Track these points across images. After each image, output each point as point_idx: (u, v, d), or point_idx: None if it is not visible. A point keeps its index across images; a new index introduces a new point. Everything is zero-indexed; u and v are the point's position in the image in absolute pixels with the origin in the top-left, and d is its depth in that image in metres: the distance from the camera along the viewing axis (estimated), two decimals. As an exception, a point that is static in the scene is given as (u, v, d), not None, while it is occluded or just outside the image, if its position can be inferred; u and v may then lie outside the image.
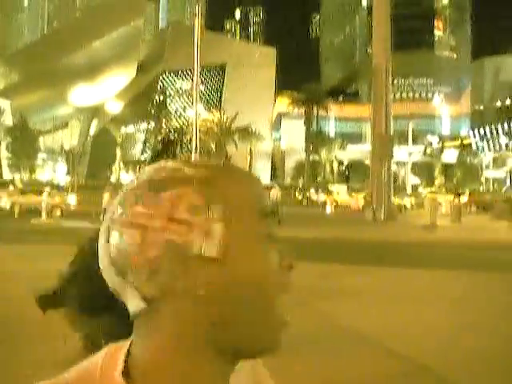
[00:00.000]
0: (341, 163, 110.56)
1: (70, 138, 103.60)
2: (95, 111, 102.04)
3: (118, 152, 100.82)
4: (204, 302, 0.76)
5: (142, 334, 0.80)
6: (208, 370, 0.79)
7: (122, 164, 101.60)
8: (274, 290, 0.80)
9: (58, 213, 33.35)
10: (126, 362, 0.80)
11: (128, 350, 0.81)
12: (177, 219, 0.76)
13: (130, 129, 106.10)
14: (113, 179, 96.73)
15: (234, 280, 0.77)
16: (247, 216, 0.79)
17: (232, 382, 0.85)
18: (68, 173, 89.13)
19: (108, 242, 0.79)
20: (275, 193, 35.24)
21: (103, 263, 0.80)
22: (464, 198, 46.81)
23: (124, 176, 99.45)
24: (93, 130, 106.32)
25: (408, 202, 53.69)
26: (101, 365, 0.80)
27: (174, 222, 0.76)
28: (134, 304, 0.78)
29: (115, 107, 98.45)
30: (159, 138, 78.18)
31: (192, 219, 0.76)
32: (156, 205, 0.77)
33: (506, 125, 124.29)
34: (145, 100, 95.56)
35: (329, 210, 44.37)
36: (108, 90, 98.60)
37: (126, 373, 0.78)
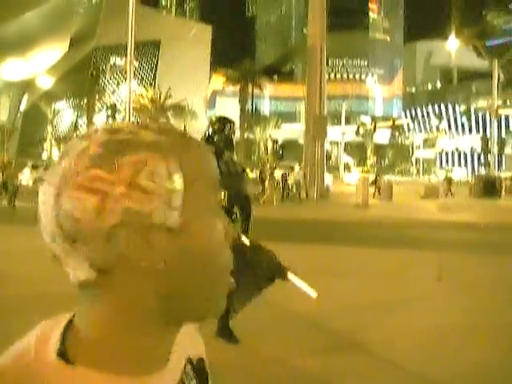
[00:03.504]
0: (275, 142, 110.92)
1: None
2: (26, 86, 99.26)
3: (49, 128, 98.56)
4: (157, 273, 0.75)
5: (86, 306, 0.77)
6: (154, 339, 0.78)
7: (53, 141, 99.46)
8: (222, 261, 0.79)
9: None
10: (62, 338, 0.76)
11: (66, 326, 0.78)
12: (138, 186, 0.72)
13: (62, 105, 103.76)
14: (44, 156, 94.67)
15: (187, 251, 0.75)
16: (202, 187, 0.77)
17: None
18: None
19: (57, 205, 0.72)
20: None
21: (48, 228, 0.74)
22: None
23: (56, 153, 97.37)
24: (23, 106, 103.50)
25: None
26: (34, 345, 0.76)
27: (136, 188, 0.72)
28: (80, 273, 0.74)
29: (46, 82, 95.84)
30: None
31: (153, 187, 0.72)
32: (116, 169, 0.72)
33: (436, 107, 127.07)
34: (77, 75, 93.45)
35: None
36: (39, 64, 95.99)
37: (62, 351, 0.75)
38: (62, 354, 0.74)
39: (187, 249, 0.75)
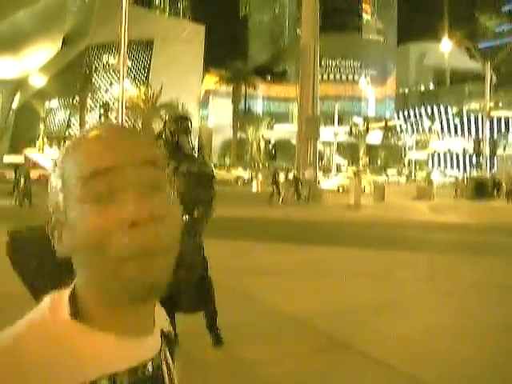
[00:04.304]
0: (268, 142, 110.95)
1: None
2: (18, 84, 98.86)
3: (42, 127, 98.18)
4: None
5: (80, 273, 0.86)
6: (131, 309, 0.86)
7: (45, 139, 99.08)
8: (114, 249, 0.80)
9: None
10: (73, 302, 0.85)
11: (73, 292, 0.86)
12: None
13: (54, 103, 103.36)
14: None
15: (76, 241, 0.83)
16: (73, 182, 0.83)
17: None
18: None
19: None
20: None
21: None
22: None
23: (48, 151, 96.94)
24: (15, 104, 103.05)
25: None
26: (48, 309, 0.84)
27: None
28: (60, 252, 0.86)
29: (39, 81, 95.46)
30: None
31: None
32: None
33: (428, 108, 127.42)
34: (70, 74, 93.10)
35: (255, 188, 44.51)
36: (32, 62, 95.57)
37: (74, 313, 0.83)
38: (74, 315, 0.83)
39: (75, 240, 0.83)
